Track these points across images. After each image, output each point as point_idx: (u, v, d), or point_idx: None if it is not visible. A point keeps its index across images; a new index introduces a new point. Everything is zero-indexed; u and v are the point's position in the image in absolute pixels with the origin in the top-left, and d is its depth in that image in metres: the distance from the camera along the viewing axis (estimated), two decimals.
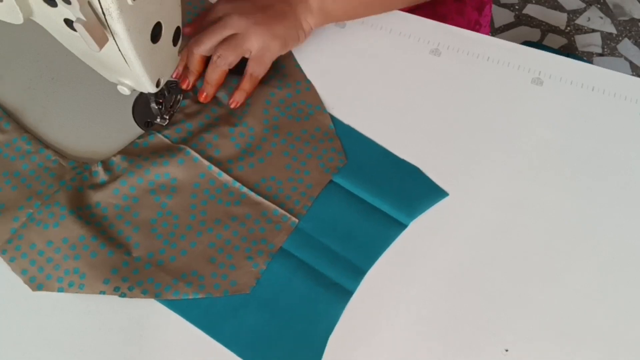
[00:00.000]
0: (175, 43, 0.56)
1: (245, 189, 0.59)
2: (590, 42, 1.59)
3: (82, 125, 0.64)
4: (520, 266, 0.57)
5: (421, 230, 0.59)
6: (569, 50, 1.58)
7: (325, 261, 0.57)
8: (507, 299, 0.56)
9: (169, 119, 0.63)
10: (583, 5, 1.65)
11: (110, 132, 0.63)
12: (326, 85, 0.67)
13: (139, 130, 0.63)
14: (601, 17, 1.63)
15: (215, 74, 0.62)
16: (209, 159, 0.60)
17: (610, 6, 1.65)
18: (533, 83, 0.67)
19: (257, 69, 0.63)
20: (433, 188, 0.60)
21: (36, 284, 0.55)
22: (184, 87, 0.64)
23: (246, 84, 0.63)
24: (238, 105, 0.63)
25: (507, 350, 0.53)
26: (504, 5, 1.66)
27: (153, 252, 0.57)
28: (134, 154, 0.61)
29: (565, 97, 0.66)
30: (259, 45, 0.62)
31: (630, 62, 1.56)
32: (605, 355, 0.53)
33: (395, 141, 0.63)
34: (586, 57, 1.56)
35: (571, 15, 1.64)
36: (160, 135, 0.62)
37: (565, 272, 0.57)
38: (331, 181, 0.61)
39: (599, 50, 1.58)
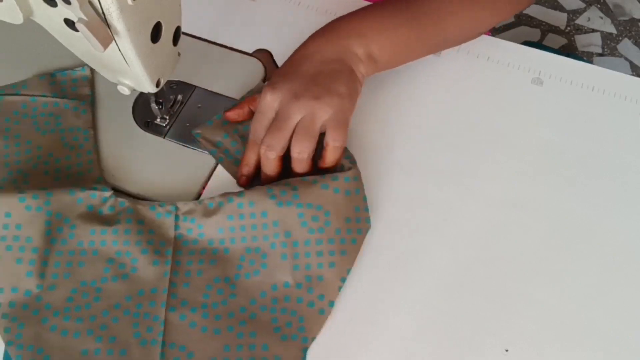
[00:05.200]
0: (175, 43, 0.56)
1: (159, 339, 0.51)
2: (590, 42, 1.60)
3: None
4: (520, 266, 0.57)
5: (421, 230, 0.59)
6: (569, 50, 1.58)
7: None
8: (507, 299, 0.56)
9: (169, 118, 0.63)
10: (583, 5, 1.65)
11: (110, 132, 0.63)
12: None
13: (139, 131, 0.63)
14: (601, 17, 1.63)
15: (300, 168, 0.57)
16: (173, 285, 0.54)
17: (610, 6, 1.65)
18: (533, 83, 0.67)
19: (338, 138, 0.56)
20: None
21: None
22: (241, 183, 0.59)
23: (331, 156, 0.57)
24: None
25: (507, 351, 0.53)
26: None
27: (51, 306, 0.52)
28: (140, 216, 0.56)
29: (565, 97, 0.66)
30: (331, 116, 0.56)
31: (630, 62, 1.57)
32: (605, 355, 0.53)
33: (394, 141, 0.64)
34: (586, 57, 1.57)
35: (571, 15, 1.64)
36: (169, 219, 0.56)
37: (565, 272, 0.57)
38: None
39: (599, 50, 1.58)
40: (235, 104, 0.63)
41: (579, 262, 0.57)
